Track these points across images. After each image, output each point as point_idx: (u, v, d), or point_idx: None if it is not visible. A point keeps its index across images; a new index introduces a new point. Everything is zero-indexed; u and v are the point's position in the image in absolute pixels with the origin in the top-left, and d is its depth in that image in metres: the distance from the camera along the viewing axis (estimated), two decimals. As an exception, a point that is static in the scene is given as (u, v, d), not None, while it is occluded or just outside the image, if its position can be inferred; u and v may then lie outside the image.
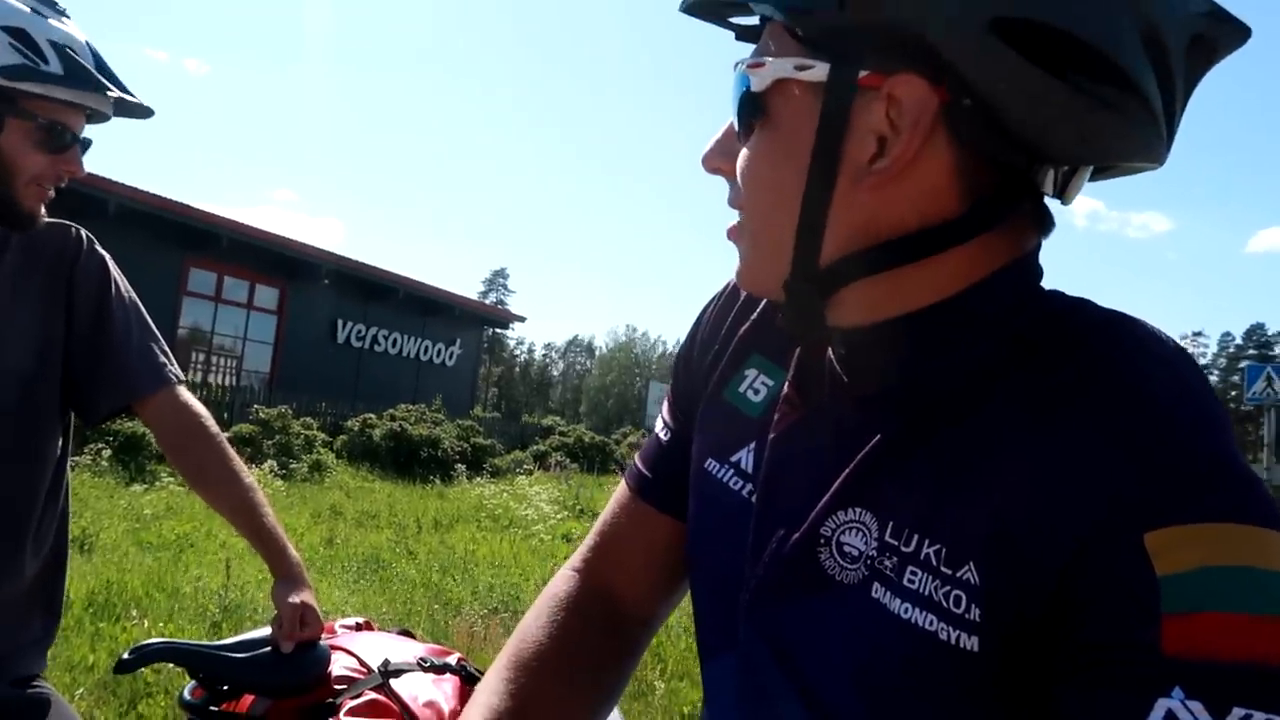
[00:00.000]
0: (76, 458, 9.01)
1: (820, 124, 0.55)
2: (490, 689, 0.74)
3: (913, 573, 0.54)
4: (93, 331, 1.44)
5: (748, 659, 0.64)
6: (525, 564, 6.88)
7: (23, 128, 1.27)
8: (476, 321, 24.87)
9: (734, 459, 0.69)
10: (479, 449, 14.81)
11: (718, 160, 0.64)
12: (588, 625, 0.79)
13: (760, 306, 0.74)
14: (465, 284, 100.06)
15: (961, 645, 0.51)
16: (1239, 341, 67.00)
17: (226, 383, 16.85)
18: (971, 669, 0.51)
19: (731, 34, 0.65)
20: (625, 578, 0.81)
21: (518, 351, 76.78)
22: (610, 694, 0.79)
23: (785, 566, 0.61)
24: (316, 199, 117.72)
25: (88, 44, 1.31)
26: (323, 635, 1.46)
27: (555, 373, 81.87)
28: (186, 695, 1.42)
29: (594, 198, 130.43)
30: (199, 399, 1.56)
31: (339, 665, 1.45)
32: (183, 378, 1.53)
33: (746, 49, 0.62)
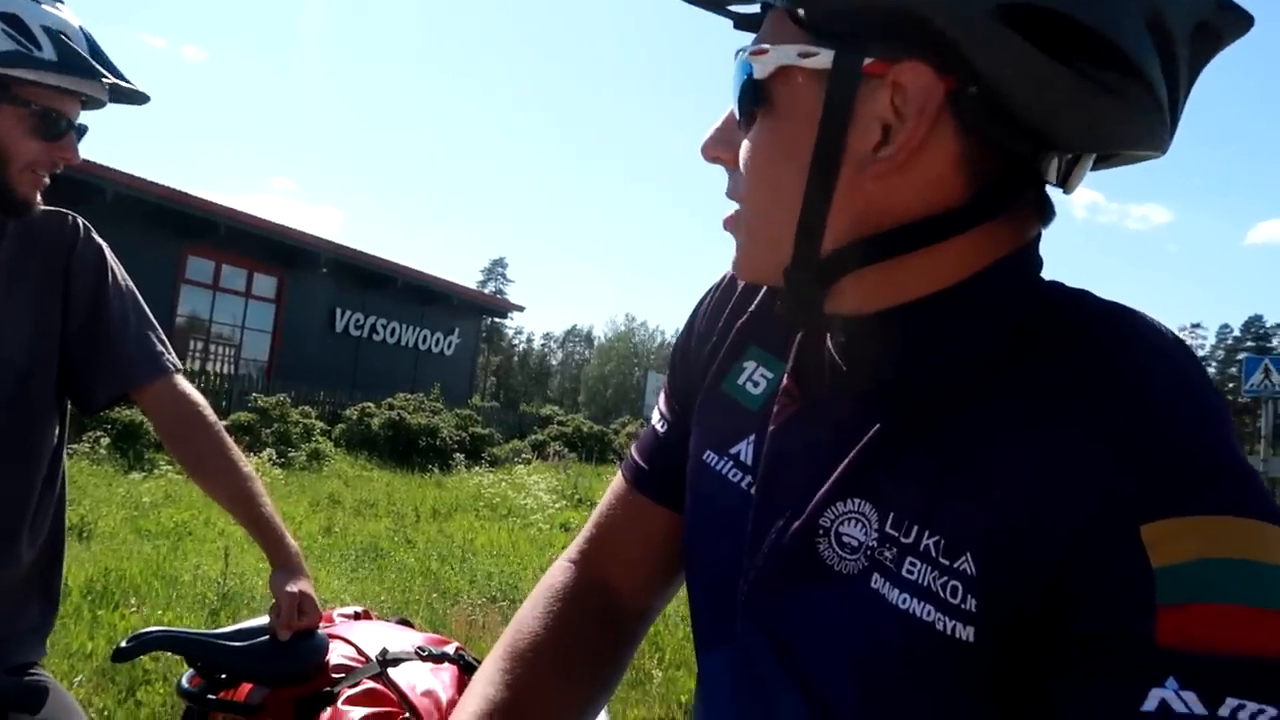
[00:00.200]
0: (75, 446, 9.02)
1: (824, 112, 0.54)
2: (486, 679, 0.74)
3: (911, 563, 0.54)
4: (90, 320, 1.44)
5: (745, 651, 0.63)
6: (523, 553, 6.90)
7: (16, 114, 1.26)
8: (475, 310, 24.86)
9: (733, 451, 0.69)
10: (477, 438, 14.83)
11: (717, 149, 0.63)
12: (584, 616, 0.79)
13: (758, 298, 0.73)
14: (464, 273, 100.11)
15: (957, 636, 0.51)
16: (1237, 333, 67.02)
17: (225, 371, 16.85)
18: (967, 660, 0.51)
19: (730, 22, 0.64)
20: (621, 569, 0.81)
21: (516, 341, 76.81)
22: (606, 684, 0.79)
23: (784, 558, 0.61)
24: (315, 187, 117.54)
25: (82, 29, 1.30)
26: (321, 624, 1.46)
27: (554, 362, 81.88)
28: (184, 683, 1.43)
29: (593, 187, 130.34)
30: (197, 387, 1.56)
31: (337, 654, 1.45)
32: (180, 366, 1.53)
33: (746, 38, 0.61)
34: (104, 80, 1.30)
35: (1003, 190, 0.56)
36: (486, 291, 54.42)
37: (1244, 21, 0.55)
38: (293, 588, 1.41)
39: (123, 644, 1.38)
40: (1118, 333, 0.54)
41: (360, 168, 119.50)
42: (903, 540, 0.55)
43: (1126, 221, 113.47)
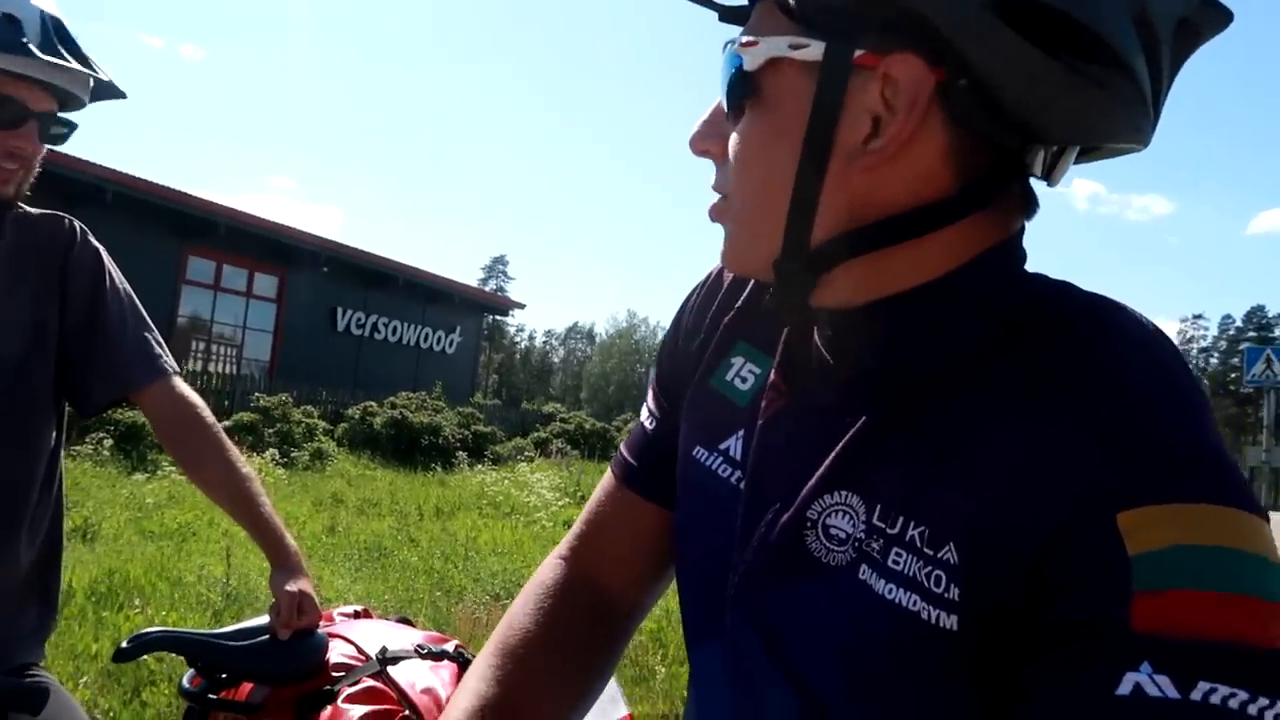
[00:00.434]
0: (78, 447, 9.04)
1: (814, 104, 0.54)
2: (478, 675, 0.74)
3: (897, 554, 0.54)
4: (87, 322, 1.44)
5: (735, 645, 0.64)
6: (527, 551, 6.91)
7: None
8: (476, 308, 24.87)
9: (723, 447, 0.69)
10: (480, 436, 14.84)
11: (706, 142, 0.63)
12: (574, 613, 0.79)
13: (744, 294, 0.74)
14: (465, 271, 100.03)
15: (942, 625, 0.52)
16: (1239, 324, 66.91)
17: (227, 371, 16.86)
18: (951, 649, 0.52)
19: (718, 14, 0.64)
20: (611, 566, 0.82)
21: (518, 338, 76.82)
22: (597, 680, 0.80)
23: (772, 551, 0.61)
24: (314, 186, 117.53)
25: (46, 16, 1.27)
26: (321, 623, 1.47)
27: (555, 359, 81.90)
28: (185, 683, 1.44)
29: (593, 183, 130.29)
30: (199, 388, 1.58)
31: (337, 653, 1.46)
32: (178, 368, 1.53)
33: (734, 31, 0.61)
34: (49, 62, 1.25)
35: (990, 183, 0.56)
36: (488, 289, 54.43)
37: (1223, 18, 0.56)
38: (292, 587, 1.41)
39: (123, 645, 1.39)
40: (1099, 324, 0.55)
41: (359, 166, 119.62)
42: (889, 531, 0.55)
43: (1127, 212, 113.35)
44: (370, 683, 1.39)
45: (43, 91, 1.29)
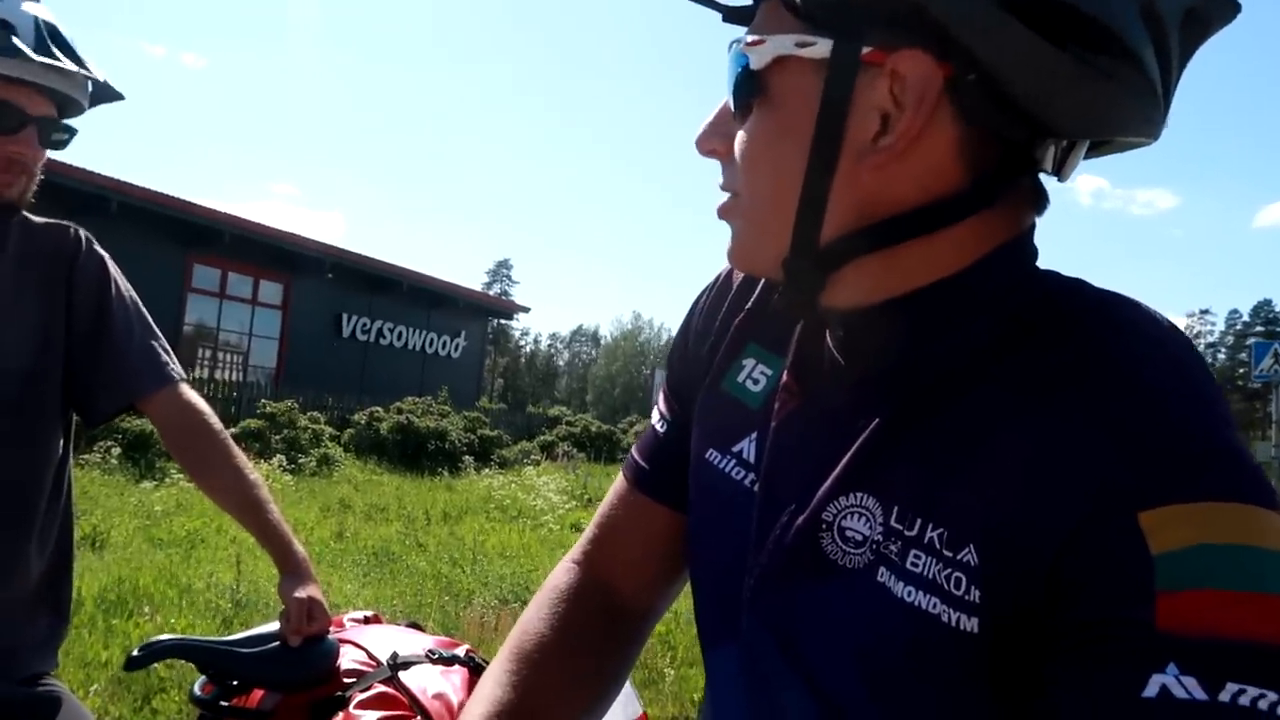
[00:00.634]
0: (86, 456, 9.06)
1: (823, 101, 0.54)
2: (493, 680, 0.74)
3: (916, 556, 0.54)
4: (93, 331, 1.44)
5: (750, 648, 0.64)
6: (535, 554, 6.90)
7: None
8: (481, 313, 24.89)
9: (735, 449, 0.69)
10: (486, 440, 14.84)
11: (712, 142, 0.63)
12: (588, 617, 0.79)
13: (754, 295, 0.73)
14: (469, 275, 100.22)
15: (962, 627, 0.51)
16: (1246, 318, 66.71)
17: (233, 379, 16.89)
18: (972, 651, 0.51)
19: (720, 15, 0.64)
20: (624, 569, 0.81)
21: (523, 342, 76.89)
22: (612, 684, 0.79)
23: (788, 554, 0.61)
24: (317, 193, 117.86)
25: (39, 19, 1.27)
26: (331, 629, 1.46)
27: (560, 363, 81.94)
28: (197, 691, 1.43)
29: (596, 185, 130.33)
30: (206, 395, 1.57)
31: (347, 659, 1.46)
32: (184, 375, 1.53)
33: (738, 31, 0.61)
34: (42, 64, 1.24)
35: (1000, 178, 0.56)
36: (492, 293, 54.49)
37: (1231, 9, 0.55)
38: (301, 593, 1.41)
39: (134, 652, 1.38)
40: (1111, 320, 0.54)
41: (362, 171, 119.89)
42: (907, 533, 0.55)
43: (1132, 207, 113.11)
44: (382, 689, 1.39)
45: (40, 96, 1.29)
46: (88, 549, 5.72)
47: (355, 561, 6.19)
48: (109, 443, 9.50)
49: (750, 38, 0.58)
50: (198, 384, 13.04)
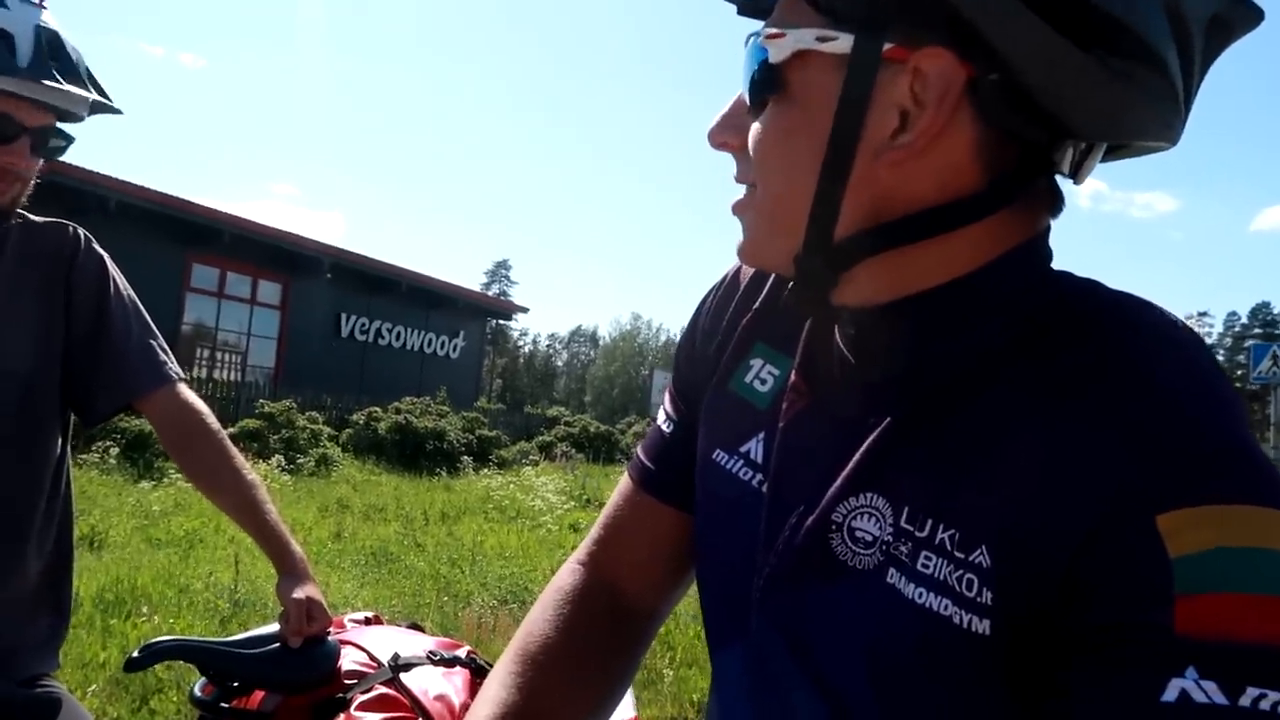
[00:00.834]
0: (84, 456, 9.05)
1: (842, 97, 0.54)
2: (498, 683, 0.74)
3: (927, 557, 0.53)
4: (92, 331, 1.44)
5: (759, 649, 0.63)
6: (533, 554, 6.90)
7: None
8: (480, 313, 24.89)
9: (743, 449, 0.68)
10: (484, 440, 14.84)
11: (725, 135, 0.62)
12: (593, 618, 0.78)
13: (762, 295, 0.73)
14: (468, 275, 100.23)
15: (973, 629, 0.51)
16: (1244, 320, 66.81)
17: (231, 378, 16.88)
18: (984, 653, 0.51)
19: (733, 9, 0.63)
20: (630, 570, 0.81)
21: (521, 342, 76.86)
22: (618, 685, 0.79)
23: (797, 554, 0.60)
24: (317, 193, 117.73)
25: (39, 29, 1.26)
26: (331, 630, 1.46)
27: (559, 363, 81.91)
28: (197, 692, 1.43)
29: (594, 185, 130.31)
30: (204, 395, 1.57)
31: (348, 660, 1.45)
32: (183, 375, 1.52)
33: (752, 24, 0.60)
34: (40, 84, 1.23)
35: (1018, 179, 0.55)
36: (490, 294, 54.50)
37: (1255, 15, 0.55)
38: (299, 594, 1.41)
39: (134, 654, 1.38)
40: (1127, 322, 0.54)
41: (362, 172, 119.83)
42: (918, 534, 0.54)
43: (1130, 210, 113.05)
44: (383, 690, 1.38)
45: (36, 107, 1.28)
46: (85, 549, 5.71)
47: (354, 562, 6.18)
48: (107, 443, 9.49)
49: (770, 31, 0.57)
50: (196, 384, 13.02)
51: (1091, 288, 0.58)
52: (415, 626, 1.66)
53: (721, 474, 0.70)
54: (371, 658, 1.46)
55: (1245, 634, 0.43)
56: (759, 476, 0.66)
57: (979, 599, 0.51)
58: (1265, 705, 0.42)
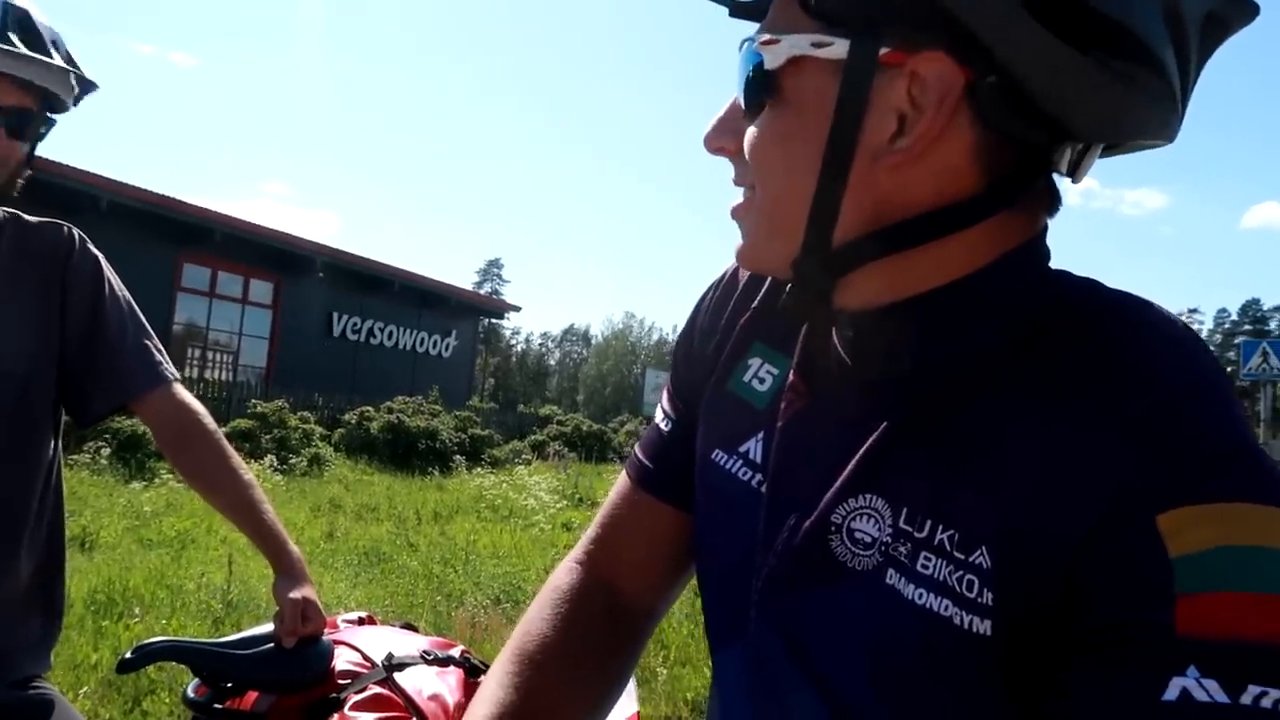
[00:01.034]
0: (75, 456, 9.00)
1: (839, 103, 0.53)
2: (496, 682, 0.73)
3: (926, 558, 0.53)
4: (87, 331, 1.43)
5: (758, 649, 0.63)
6: (526, 554, 6.89)
7: None
8: (472, 312, 24.85)
9: (742, 449, 0.68)
10: (477, 440, 14.81)
11: (722, 139, 0.62)
12: (591, 617, 0.78)
13: (760, 294, 0.73)
14: (460, 274, 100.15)
15: (974, 630, 0.51)
16: (1234, 317, 67.12)
17: (223, 378, 16.83)
18: (985, 654, 0.51)
19: (726, 11, 0.62)
20: (627, 569, 0.81)
21: (514, 341, 76.74)
22: (615, 684, 0.79)
23: (796, 555, 0.60)
24: (309, 192, 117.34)
25: (7, 4, 1.23)
26: (325, 630, 1.46)
27: (551, 362, 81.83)
28: (190, 693, 1.42)
29: (587, 184, 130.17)
30: (196, 395, 1.55)
31: (342, 660, 1.45)
32: (178, 375, 1.52)
33: (749, 27, 0.60)
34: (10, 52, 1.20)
35: (1016, 181, 0.55)
36: (483, 292, 54.40)
37: (1249, 10, 0.55)
38: (296, 594, 1.40)
39: (127, 655, 1.37)
40: (1127, 321, 0.54)
41: (354, 171, 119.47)
42: (917, 535, 0.54)
43: (1121, 207, 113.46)
44: (377, 690, 1.38)
45: (11, 86, 1.25)
46: (77, 550, 5.68)
47: (346, 562, 6.16)
48: (99, 443, 9.44)
49: (764, 36, 0.56)
50: (187, 384, 12.82)
51: (1091, 287, 0.57)
52: (409, 626, 1.65)
53: (720, 474, 0.69)
54: (365, 658, 1.46)
55: (1246, 633, 0.43)
56: (758, 476, 0.66)
57: (979, 600, 0.51)
58: (1266, 703, 0.42)
